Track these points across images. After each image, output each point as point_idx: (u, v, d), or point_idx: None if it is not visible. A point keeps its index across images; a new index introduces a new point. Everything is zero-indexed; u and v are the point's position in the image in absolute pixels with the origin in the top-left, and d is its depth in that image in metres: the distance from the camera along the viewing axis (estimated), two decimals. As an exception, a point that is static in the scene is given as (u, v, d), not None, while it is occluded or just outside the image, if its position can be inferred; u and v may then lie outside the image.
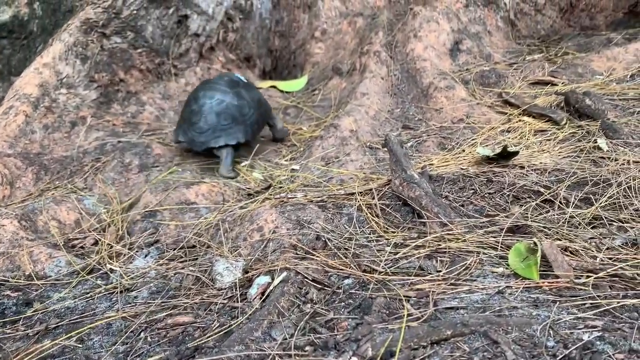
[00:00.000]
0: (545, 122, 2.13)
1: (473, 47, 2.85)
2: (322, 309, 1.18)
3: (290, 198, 1.69)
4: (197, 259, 1.53)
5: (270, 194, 1.80)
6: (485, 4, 3.17)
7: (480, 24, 3.07)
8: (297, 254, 1.40)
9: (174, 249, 1.62)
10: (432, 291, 1.18)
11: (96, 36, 2.74)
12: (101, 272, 1.58)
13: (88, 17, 2.74)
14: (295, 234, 1.49)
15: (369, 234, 1.52)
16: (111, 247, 1.70)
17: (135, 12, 2.85)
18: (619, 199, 1.46)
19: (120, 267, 1.58)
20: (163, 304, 1.33)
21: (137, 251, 1.67)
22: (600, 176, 1.60)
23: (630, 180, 1.52)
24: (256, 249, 1.47)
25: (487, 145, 1.99)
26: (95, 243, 1.77)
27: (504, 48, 2.99)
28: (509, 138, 2.06)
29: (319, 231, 1.50)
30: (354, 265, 1.34)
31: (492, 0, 3.19)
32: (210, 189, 1.89)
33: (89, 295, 1.45)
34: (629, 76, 2.45)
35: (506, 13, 3.21)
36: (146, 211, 1.82)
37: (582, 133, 1.98)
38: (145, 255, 1.65)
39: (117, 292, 1.44)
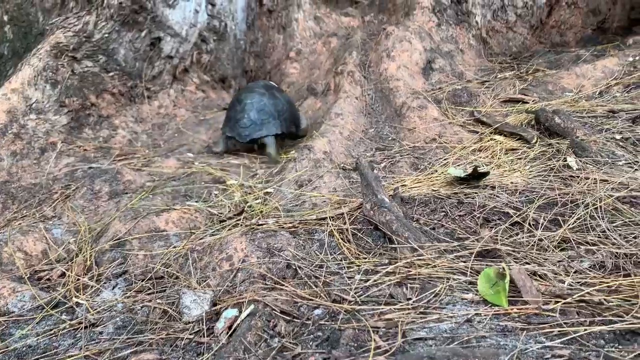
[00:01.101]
0: (516, 140, 2.15)
1: (445, 65, 2.88)
2: (290, 342, 1.15)
3: (261, 225, 1.67)
4: (165, 290, 1.50)
5: (240, 221, 1.78)
6: (457, 22, 3.21)
7: (453, 43, 3.11)
8: (266, 284, 1.38)
9: (142, 280, 1.59)
10: (401, 321, 1.16)
11: (67, 60, 2.71)
12: (67, 306, 1.54)
13: (58, 41, 2.71)
14: (265, 262, 1.47)
15: (340, 260, 1.50)
16: (78, 278, 1.66)
17: (107, 35, 2.83)
18: (587, 220, 1.47)
19: (86, 301, 1.54)
20: (128, 340, 1.30)
21: (104, 283, 1.63)
22: (569, 196, 1.61)
23: (597, 201, 1.53)
24: (225, 279, 1.45)
25: (458, 166, 1.99)
26: (63, 275, 1.72)
27: (476, 66, 3.02)
28: (481, 157, 2.07)
29: (289, 259, 1.48)
30: (324, 295, 1.32)
31: (464, 18, 3.24)
32: (181, 216, 1.86)
33: (52, 331, 1.40)
34: (597, 93, 2.49)
35: (478, 31, 3.26)
36: (115, 240, 1.78)
37: (552, 151, 2.00)
38: (113, 287, 1.61)
39: (82, 328, 1.40)
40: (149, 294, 1.51)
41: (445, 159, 2.10)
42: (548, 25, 3.52)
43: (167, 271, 1.58)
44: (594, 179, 1.71)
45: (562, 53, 3.06)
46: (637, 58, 2.66)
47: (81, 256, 1.77)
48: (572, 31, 3.52)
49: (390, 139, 2.44)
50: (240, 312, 1.26)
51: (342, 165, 2.19)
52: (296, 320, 1.24)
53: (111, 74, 2.83)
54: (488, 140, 2.18)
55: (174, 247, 1.70)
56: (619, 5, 3.53)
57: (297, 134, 2.64)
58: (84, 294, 1.57)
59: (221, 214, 1.91)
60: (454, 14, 3.20)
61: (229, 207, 1.96)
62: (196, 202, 2.01)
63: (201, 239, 1.70)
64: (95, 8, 2.82)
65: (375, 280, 1.35)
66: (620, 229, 1.43)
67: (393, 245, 1.50)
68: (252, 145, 2.57)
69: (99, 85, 2.77)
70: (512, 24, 3.41)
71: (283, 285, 1.37)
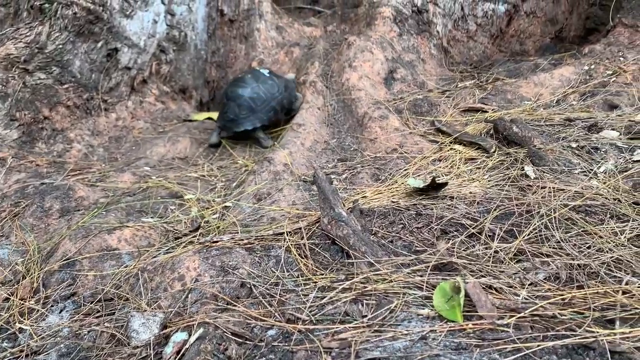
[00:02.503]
0: (476, 150, 2.15)
1: (407, 75, 2.89)
2: (239, 367, 1.11)
3: (216, 242, 1.62)
4: (114, 313, 1.43)
5: (196, 238, 1.73)
6: (419, 32, 3.23)
7: (414, 52, 3.12)
8: (218, 305, 1.33)
9: (92, 302, 1.52)
10: (355, 340, 1.13)
11: (18, 72, 2.61)
12: (9, 332, 1.46)
13: (8, 52, 2.61)
14: (218, 281, 1.42)
15: (297, 277, 1.46)
16: (23, 302, 1.57)
17: (61, 46, 2.74)
18: (542, 230, 1.47)
19: (30, 326, 1.46)
20: (72, 369, 1.23)
21: (52, 306, 1.55)
22: (525, 206, 1.61)
23: (551, 212, 1.53)
24: (177, 300, 1.39)
25: (418, 176, 1.99)
26: (7, 299, 1.64)
27: (437, 75, 3.04)
28: (440, 167, 2.06)
29: (244, 277, 1.44)
30: (279, 314, 1.28)
31: (425, 28, 3.25)
32: (134, 234, 1.80)
33: (-8, 361, 1.33)
34: (554, 101, 2.52)
35: (439, 40, 3.28)
36: (64, 260, 1.71)
37: (510, 160, 2.01)
38: (61, 311, 1.53)
39: (23, 357, 1.32)
40: (97, 317, 1.44)
41: (405, 170, 2.09)
42: (508, 34, 3.58)
43: (118, 292, 1.52)
44: (551, 187, 1.72)
45: (522, 62, 3.10)
46: (592, 67, 2.72)
47: (28, 278, 1.69)
48: (531, 40, 3.58)
49: (352, 149, 2.43)
50: (190, 335, 1.21)
51: (302, 177, 2.16)
52: (248, 342, 1.20)
53: (66, 86, 2.74)
54: (448, 150, 2.18)
55: (125, 266, 1.64)
56: (575, 15, 3.61)
57: (291, 109, 2.84)
58: (28, 319, 1.50)
59: (177, 230, 1.85)
60: (415, 23, 3.22)
61: (185, 223, 1.91)
62: (151, 218, 1.95)
63: (154, 257, 1.64)
64: (48, 18, 2.73)
65: (331, 298, 1.31)
66: (574, 239, 1.44)
67: (350, 260, 1.47)
68: (240, 135, 2.76)
69: (53, 98, 2.68)
70: (472, 33, 3.45)
71: (236, 305, 1.33)
